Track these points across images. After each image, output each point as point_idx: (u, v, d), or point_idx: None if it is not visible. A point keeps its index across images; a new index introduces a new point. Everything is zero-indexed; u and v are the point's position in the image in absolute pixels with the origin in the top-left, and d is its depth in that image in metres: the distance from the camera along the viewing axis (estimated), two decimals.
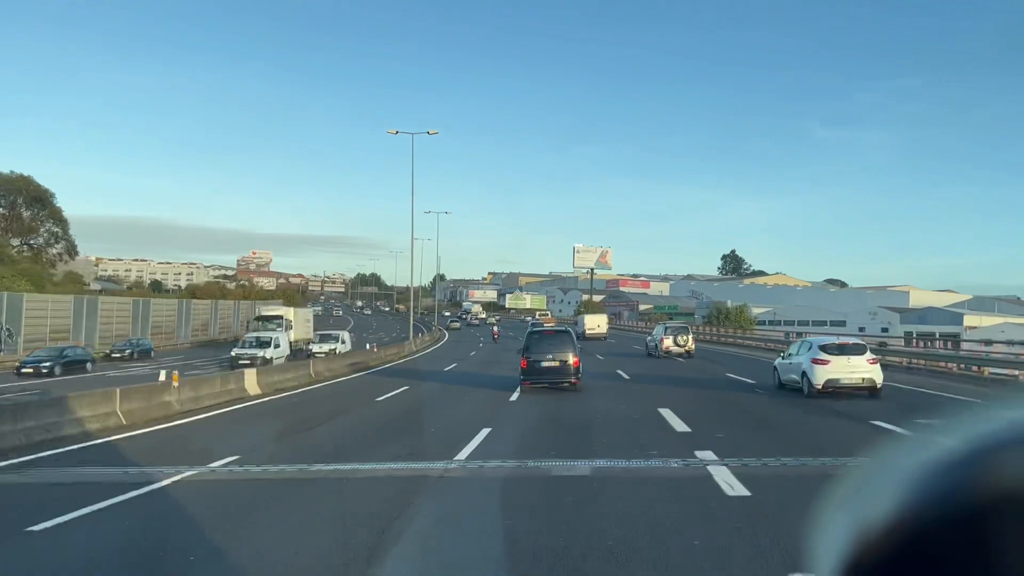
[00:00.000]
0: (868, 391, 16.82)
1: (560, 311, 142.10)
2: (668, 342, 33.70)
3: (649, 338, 37.51)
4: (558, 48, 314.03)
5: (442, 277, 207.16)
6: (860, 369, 16.74)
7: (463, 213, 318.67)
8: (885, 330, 79.66)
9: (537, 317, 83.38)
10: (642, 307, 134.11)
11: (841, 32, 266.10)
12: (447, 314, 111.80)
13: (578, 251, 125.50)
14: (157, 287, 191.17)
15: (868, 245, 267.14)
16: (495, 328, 66.52)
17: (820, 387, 16.70)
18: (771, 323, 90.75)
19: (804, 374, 17.39)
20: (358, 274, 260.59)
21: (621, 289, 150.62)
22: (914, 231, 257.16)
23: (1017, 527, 0.50)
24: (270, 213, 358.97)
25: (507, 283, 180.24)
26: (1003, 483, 0.51)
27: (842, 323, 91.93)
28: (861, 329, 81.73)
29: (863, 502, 0.59)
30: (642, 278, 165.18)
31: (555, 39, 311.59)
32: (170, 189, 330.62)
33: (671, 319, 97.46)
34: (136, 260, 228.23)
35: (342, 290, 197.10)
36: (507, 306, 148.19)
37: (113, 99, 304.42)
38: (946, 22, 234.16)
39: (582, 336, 43.16)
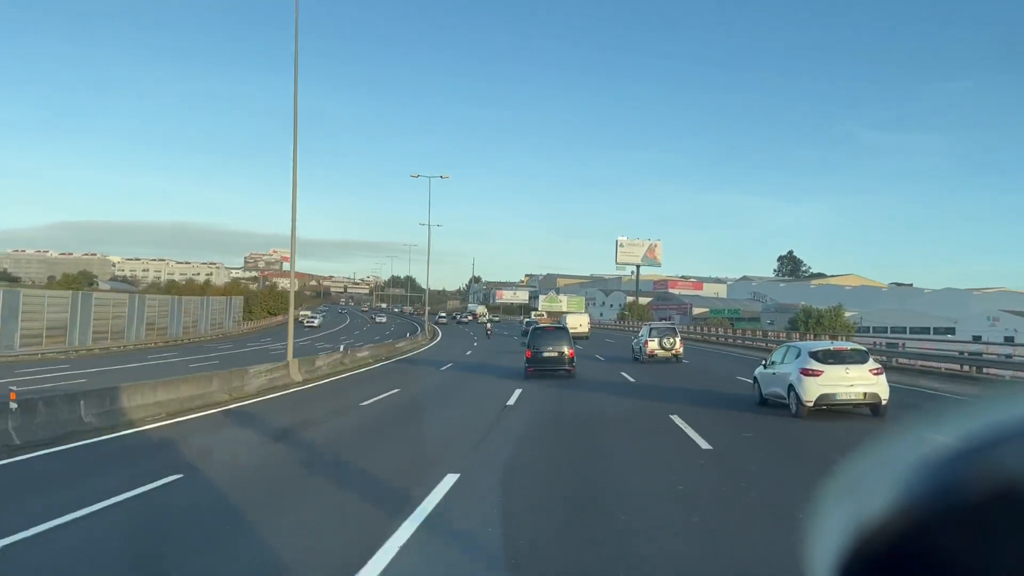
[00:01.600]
0: (870, 408, 14.14)
1: (601, 315, 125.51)
2: (653, 345, 31.22)
3: (634, 340, 35.18)
4: (596, 54, 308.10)
5: (477, 279, 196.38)
6: (861, 381, 13.86)
7: (503, 219, 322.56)
8: (1010, 338, 61.80)
9: (533, 316, 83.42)
10: (696, 310, 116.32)
11: (888, 36, 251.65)
12: (442, 315, 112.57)
13: (621, 245, 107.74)
14: (172, 288, 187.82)
15: (926, 248, 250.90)
16: (488, 325, 72.67)
17: (811, 404, 13.85)
18: (859, 330, 73.63)
19: (791, 388, 14.50)
20: (392, 276, 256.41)
21: (670, 291, 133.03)
22: (976, 233, 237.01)
23: (1014, 522, 0.50)
24: (315, 219, 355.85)
25: (544, 285, 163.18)
26: (1000, 478, 0.51)
27: (951, 329, 75.07)
28: (976, 337, 64.18)
29: (860, 497, 0.58)
30: (692, 279, 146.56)
31: (593, 47, 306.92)
32: (208, 194, 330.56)
33: (732, 325, 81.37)
34: (155, 260, 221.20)
35: (366, 292, 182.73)
36: (540, 308, 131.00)
37: (148, 106, 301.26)
38: (989, 22, 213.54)
39: None
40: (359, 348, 30.91)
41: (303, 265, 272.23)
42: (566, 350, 23.59)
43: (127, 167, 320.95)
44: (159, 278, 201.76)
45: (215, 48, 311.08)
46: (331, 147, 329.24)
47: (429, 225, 52.84)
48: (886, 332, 69.85)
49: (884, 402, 13.91)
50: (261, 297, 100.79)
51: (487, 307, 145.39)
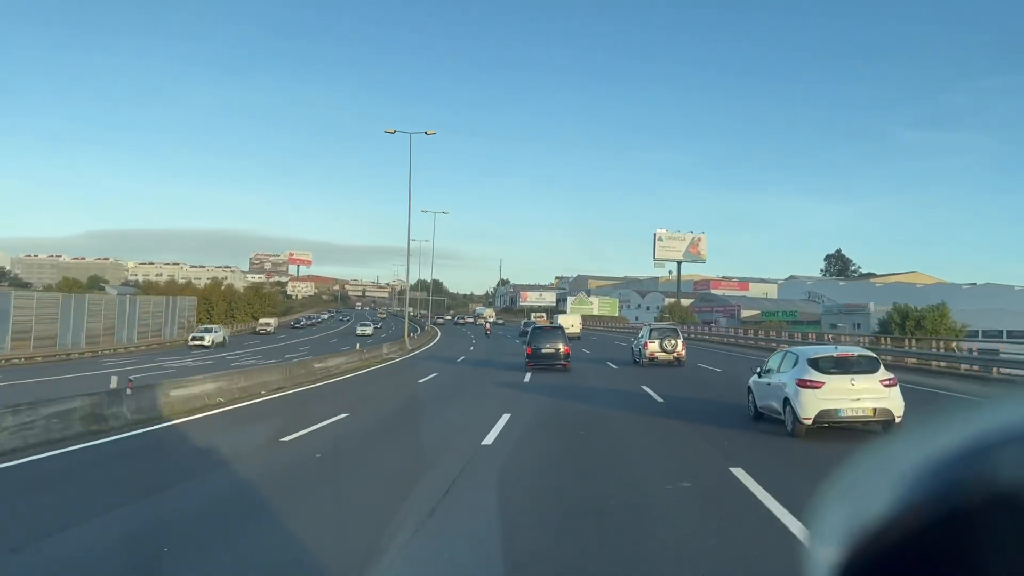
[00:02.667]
0: (881, 426, 11.92)
1: (636, 318, 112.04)
2: (653, 347, 29.09)
3: (634, 342, 33.52)
4: (631, 58, 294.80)
5: (504, 282, 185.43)
6: (870, 395, 11.64)
7: (533, 222, 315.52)
8: None
9: (532, 318, 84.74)
10: (745, 312, 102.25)
11: (925, 33, 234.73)
12: (442, 317, 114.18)
13: (660, 239, 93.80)
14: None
15: (978, 248, 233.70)
16: (487, 325, 78.58)
17: (809, 421, 11.70)
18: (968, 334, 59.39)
19: (786, 401, 12.27)
20: (418, 279, 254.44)
21: (713, 292, 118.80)
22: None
23: (1012, 525, 0.49)
24: (343, 224, 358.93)
25: (575, 286, 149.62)
26: (999, 481, 0.50)
27: None
28: None
29: (859, 499, 0.58)
30: (735, 279, 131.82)
31: (626, 51, 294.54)
32: (253, 203, 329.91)
33: (789, 327, 67.80)
34: (168, 264, 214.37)
35: (386, 295, 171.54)
36: (568, 311, 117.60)
37: (174, 115, 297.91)
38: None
39: None
40: (210, 378, 17.74)
41: (324, 269, 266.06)
42: (561, 347, 26.50)
43: (158, 175, 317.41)
44: (173, 281, 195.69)
45: (228, 55, 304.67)
46: (360, 150, 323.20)
47: (410, 190, 40.40)
48: (977, 336, 55.86)
49: (898, 419, 11.75)
50: (244, 299, 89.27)
51: (511, 311, 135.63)
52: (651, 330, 30.78)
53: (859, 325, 78.62)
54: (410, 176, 38.87)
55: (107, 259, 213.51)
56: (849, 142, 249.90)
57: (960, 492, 0.52)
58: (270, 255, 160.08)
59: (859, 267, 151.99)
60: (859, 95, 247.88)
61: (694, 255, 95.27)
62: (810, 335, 51.45)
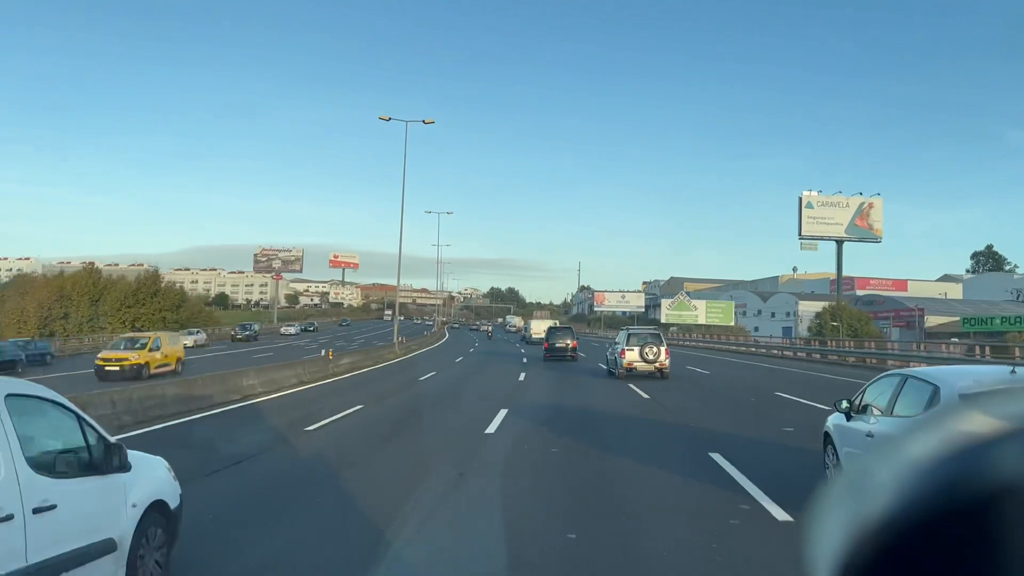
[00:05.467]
0: None
1: (756, 329, 79.65)
2: (632, 356, 25.55)
3: (609, 350, 29.90)
4: (733, 55, 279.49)
5: (584, 288, 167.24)
6: None
7: (619, 231, 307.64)
8: None
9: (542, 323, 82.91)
10: (933, 320, 68.63)
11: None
12: (455, 323, 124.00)
13: (810, 205, 60.06)
14: (222, 300, 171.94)
15: None
16: (488, 328, 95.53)
17: None
18: None
19: None
20: (492, 288, 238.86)
21: (859, 293, 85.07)
22: None
23: (1015, 520, 0.49)
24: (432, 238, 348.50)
25: (667, 290, 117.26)
26: (1001, 476, 0.50)
27: None
28: None
29: (860, 498, 0.57)
30: (887, 280, 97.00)
31: (724, 51, 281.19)
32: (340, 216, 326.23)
33: None
34: (205, 270, 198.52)
35: (439, 303, 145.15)
36: (663, 320, 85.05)
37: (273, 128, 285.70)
38: None
39: (528, 340, 60.08)
40: None
41: (389, 279, 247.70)
42: (570, 342, 36.81)
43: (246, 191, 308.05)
44: (208, 290, 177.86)
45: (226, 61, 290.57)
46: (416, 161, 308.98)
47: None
48: None
49: None
50: (118, 298, 61.56)
51: (585, 318, 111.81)
52: (629, 336, 27.03)
53: None
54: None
55: (140, 265, 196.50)
56: (959, 143, 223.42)
57: (963, 487, 0.51)
58: (279, 250, 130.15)
59: (1016, 264, 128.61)
60: (964, 96, 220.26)
61: (862, 229, 61.03)
62: None
